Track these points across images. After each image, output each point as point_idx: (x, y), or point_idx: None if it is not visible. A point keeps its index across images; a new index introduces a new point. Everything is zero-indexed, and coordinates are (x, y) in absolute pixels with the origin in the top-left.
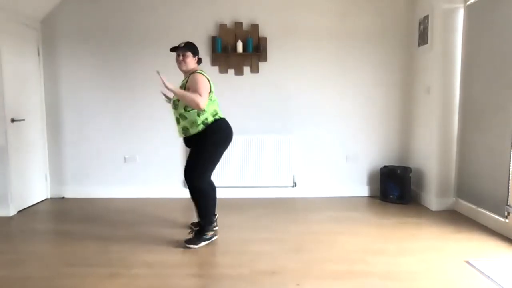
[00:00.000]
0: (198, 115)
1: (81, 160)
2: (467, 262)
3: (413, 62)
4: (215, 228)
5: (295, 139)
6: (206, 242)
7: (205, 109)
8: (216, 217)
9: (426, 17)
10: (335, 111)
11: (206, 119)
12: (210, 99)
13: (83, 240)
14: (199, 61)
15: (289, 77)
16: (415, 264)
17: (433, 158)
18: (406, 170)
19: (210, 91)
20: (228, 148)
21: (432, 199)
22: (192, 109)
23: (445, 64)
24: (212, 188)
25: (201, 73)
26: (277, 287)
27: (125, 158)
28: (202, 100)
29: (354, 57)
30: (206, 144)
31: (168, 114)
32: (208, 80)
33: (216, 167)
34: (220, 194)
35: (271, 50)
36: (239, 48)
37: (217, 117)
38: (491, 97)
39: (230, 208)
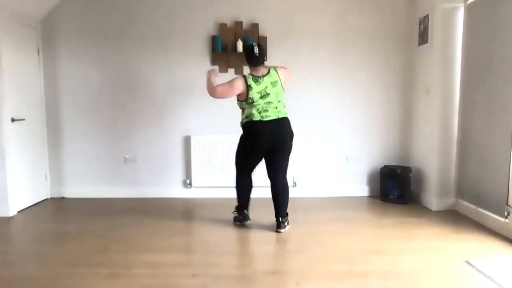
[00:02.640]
0: (242, 113)
1: (81, 160)
2: (467, 262)
3: (413, 61)
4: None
5: (295, 139)
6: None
7: (244, 111)
8: (247, 211)
9: (426, 17)
10: (335, 111)
11: (242, 119)
12: (248, 102)
13: (83, 240)
14: (249, 64)
15: None
16: (415, 264)
17: (433, 158)
18: (406, 170)
19: (247, 97)
20: (256, 149)
21: (432, 199)
22: (241, 106)
23: (445, 64)
24: (246, 183)
25: (242, 76)
26: (277, 287)
27: (125, 158)
28: (214, 90)
29: (354, 57)
30: (239, 140)
31: (168, 114)
32: (247, 85)
33: (251, 165)
34: (220, 193)
35: (271, 49)
36: (239, 48)
37: (247, 119)
38: (491, 97)
39: (230, 207)
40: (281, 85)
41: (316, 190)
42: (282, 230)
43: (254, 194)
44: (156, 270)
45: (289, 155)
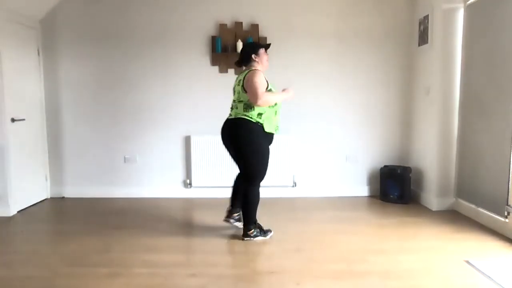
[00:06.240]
0: None
1: (81, 160)
2: (467, 261)
3: (413, 62)
4: (235, 223)
5: (295, 139)
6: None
7: None
8: (238, 215)
9: (426, 17)
10: (335, 111)
11: None
12: None
13: (83, 240)
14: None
15: (289, 77)
16: (415, 264)
17: (433, 158)
18: (406, 170)
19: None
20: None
21: (432, 199)
22: None
23: (445, 64)
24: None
25: None
26: (277, 287)
27: (125, 158)
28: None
29: (354, 57)
30: None
31: (168, 114)
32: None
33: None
34: (221, 193)
35: (271, 50)
36: (239, 48)
37: None
38: (491, 97)
39: None
40: (243, 86)
41: (316, 190)
42: (245, 239)
43: None
44: (156, 269)
45: (244, 159)
